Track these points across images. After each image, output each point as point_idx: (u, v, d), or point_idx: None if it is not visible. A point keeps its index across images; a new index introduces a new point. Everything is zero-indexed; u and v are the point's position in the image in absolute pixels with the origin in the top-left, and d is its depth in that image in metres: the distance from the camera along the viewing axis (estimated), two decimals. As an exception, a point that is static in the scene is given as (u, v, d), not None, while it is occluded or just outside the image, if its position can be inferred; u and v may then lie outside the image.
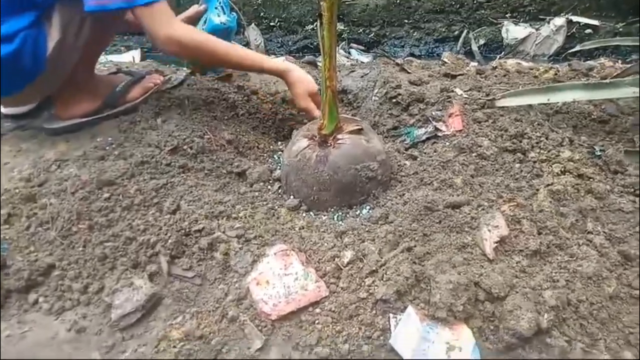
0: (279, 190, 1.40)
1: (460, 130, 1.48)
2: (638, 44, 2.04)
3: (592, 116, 1.52)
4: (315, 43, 3.33)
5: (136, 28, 1.87)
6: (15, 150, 1.40)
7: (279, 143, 1.70)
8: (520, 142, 1.40)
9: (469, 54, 3.07)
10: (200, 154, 1.40)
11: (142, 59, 2.68)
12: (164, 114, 1.52)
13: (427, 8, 3.27)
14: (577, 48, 2.26)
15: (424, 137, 1.52)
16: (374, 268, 1.06)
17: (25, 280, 1.05)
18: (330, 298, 1.02)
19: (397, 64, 2.00)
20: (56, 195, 1.19)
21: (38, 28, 1.20)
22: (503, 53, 3.07)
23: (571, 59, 2.30)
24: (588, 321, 0.98)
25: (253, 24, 3.36)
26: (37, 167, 1.29)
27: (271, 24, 3.46)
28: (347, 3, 3.32)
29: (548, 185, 1.27)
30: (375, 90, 1.78)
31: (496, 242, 1.10)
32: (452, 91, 1.65)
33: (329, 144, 1.27)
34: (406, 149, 1.52)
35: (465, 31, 3.23)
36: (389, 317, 0.98)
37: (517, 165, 1.36)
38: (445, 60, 2.15)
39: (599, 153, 1.38)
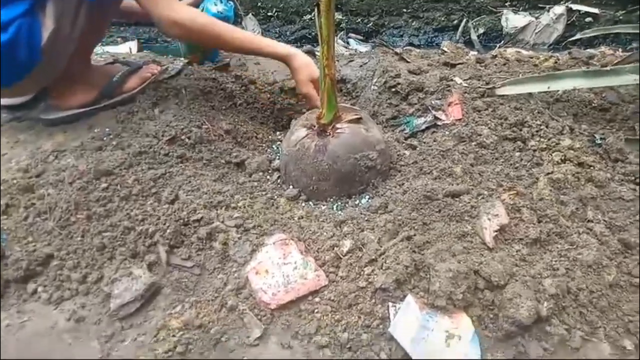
0: (278, 180, 1.39)
1: (460, 119, 1.47)
2: (638, 31, 2.02)
3: (593, 104, 1.51)
4: (313, 33, 3.31)
5: (132, 18, 1.86)
6: (13, 141, 1.39)
7: (278, 133, 1.69)
8: (520, 130, 1.40)
9: (469, 43, 3.05)
10: (198, 144, 1.39)
11: (139, 49, 2.66)
12: (161, 104, 1.50)
13: (426, -3, 3.25)
14: (577, 36, 2.24)
15: (423, 127, 1.51)
16: (373, 257, 1.05)
17: (24, 270, 1.04)
18: (330, 287, 1.02)
19: (396, 53, 1.99)
20: (54, 186, 1.19)
21: (32, 17, 1.19)
22: (503, 42, 3.04)
23: (571, 48, 2.28)
24: (588, 309, 0.98)
25: (250, 14, 3.34)
26: (34, 158, 1.28)
27: (269, 13, 3.43)
28: (345, -8, 3.30)
29: (548, 173, 1.27)
30: (374, 80, 1.77)
31: (496, 231, 1.09)
32: (452, 80, 1.64)
33: (327, 133, 1.26)
34: (405, 139, 1.52)
35: (465, 20, 3.20)
36: (388, 306, 0.98)
37: (517, 153, 1.35)
38: (445, 49, 2.14)
39: (599, 141, 1.38)
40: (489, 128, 1.41)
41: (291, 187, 1.33)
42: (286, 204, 1.28)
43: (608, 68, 1.50)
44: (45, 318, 0.99)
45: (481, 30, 3.15)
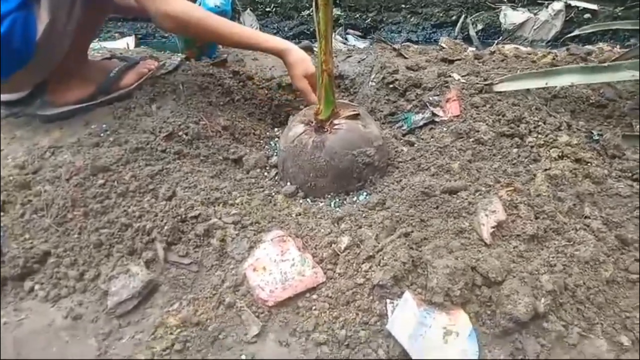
0: (276, 177, 1.39)
1: (458, 116, 1.47)
2: (637, 27, 2.02)
3: (590, 100, 1.51)
4: (311, 29, 3.30)
5: (130, 14, 1.85)
6: (9, 137, 1.38)
7: (276, 129, 1.68)
8: (518, 126, 1.40)
9: (467, 40, 3.05)
10: (195, 140, 1.39)
11: (137, 45, 2.65)
12: (158, 100, 1.50)
13: (425, -7, 3.24)
14: (576, 32, 2.25)
15: (421, 123, 1.51)
16: (371, 254, 1.05)
17: (21, 268, 1.04)
18: (327, 284, 1.02)
19: (394, 49, 1.98)
20: (50, 182, 1.18)
21: (27, 10, 1.18)
22: (501, 38, 3.05)
23: (569, 44, 2.28)
24: (585, 305, 0.98)
25: (248, 9, 3.33)
26: (31, 154, 1.28)
27: (267, 9, 3.42)
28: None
29: (546, 169, 1.27)
30: (372, 76, 1.77)
31: (493, 227, 1.09)
32: (450, 76, 1.63)
33: (325, 130, 1.25)
34: (403, 135, 1.51)
35: (463, 16, 3.20)
36: (386, 303, 0.98)
37: (515, 150, 1.35)
38: (443, 45, 2.13)
39: (596, 137, 1.38)
40: (487, 124, 1.41)
41: (289, 183, 1.33)
42: (284, 200, 1.28)
43: (606, 64, 1.50)
44: (42, 316, 0.99)
45: (479, 27, 3.15)
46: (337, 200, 1.29)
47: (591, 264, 1.04)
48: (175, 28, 1.36)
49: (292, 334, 0.95)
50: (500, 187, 1.22)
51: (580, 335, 0.94)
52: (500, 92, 1.52)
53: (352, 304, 0.98)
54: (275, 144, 1.56)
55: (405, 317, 0.94)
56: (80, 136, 1.34)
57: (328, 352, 0.92)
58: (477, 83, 1.57)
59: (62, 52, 1.30)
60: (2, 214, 1.14)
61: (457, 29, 3.20)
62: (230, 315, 0.97)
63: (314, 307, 0.98)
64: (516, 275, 1.00)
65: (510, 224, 1.12)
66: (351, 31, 3.30)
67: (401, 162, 1.37)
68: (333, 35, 1.39)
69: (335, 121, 1.26)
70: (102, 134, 1.35)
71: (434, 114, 1.50)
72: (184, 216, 1.13)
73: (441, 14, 3.26)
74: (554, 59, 1.81)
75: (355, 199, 1.28)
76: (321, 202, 1.29)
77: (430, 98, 1.54)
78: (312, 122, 1.28)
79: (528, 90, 1.53)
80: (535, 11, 3.01)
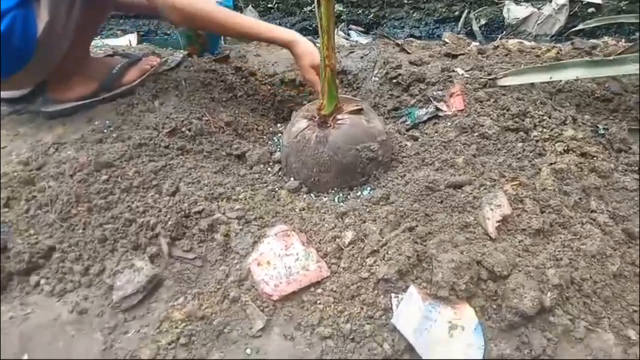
0: (279, 172, 1.39)
1: (462, 110, 1.46)
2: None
3: (596, 94, 1.50)
4: (314, 25, 3.29)
5: (131, 10, 1.85)
6: (13, 134, 1.39)
7: (279, 125, 1.68)
8: (523, 121, 1.39)
9: (470, 35, 3.03)
10: (198, 135, 1.39)
11: (139, 42, 2.65)
12: (161, 96, 1.50)
13: (427, -12, 3.23)
14: (580, 27, 2.23)
15: (425, 118, 1.51)
16: (375, 248, 1.05)
17: (26, 263, 1.04)
18: (332, 278, 1.02)
19: (397, 45, 1.98)
20: (54, 178, 1.18)
21: (27, 8, 1.17)
22: (504, 33, 3.03)
23: (574, 38, 2.27)
24: (592, 299, 0.98)
25: (250, 6, 3.32)
26: (35, 151, 1.28)
27: (269, 5, 3.41)
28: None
29: (551, 164, 1.26)
30: (375, 71, 1.76)
31: (499, 221, 1.09)
32: (453, 71, 1.63)
33: (328, 125, 1.25)
34: (407, 130, 1.51)
35: (466, 11, 3.19)
36: (390, 297, 0.97)
37: (520, 144, 1.34)
38: (446, 40, 2.12)
39: (602, 131, 1.37)
40: (491, 119, 1.40)
41: (292, 179, 1.32)
42: (287, 196, 1.27)
43: (611, 58, 1.48)
44: (48, 310, 0.99)
45: (483, 22, 3.13)
46: (341, 195, 1.29)
47: (598, 257, 1.03)
48: (182, 20, 1.38)
49: (297, 327, 0.95)
50: (505, 182, 1.21)
51: (587, 329, 0.94)
52: (505, 86, 1.52)
53: (356, 298, 0.98)
54: (278, 140, 1.56)
55: (410, 311, 0.94)
56: (84, 132, 1.34)
57: (333, 345, 0.92)
58: (481, 77, 1.56)
59: (63, 50, 1.30)
60: (7, 210, 1.14)
61: (460, 24, 3.18)
62: (235, 309, 0.97)
63: (318, 301, 0.98)
64: (522, 269, 0.99)
65: (516, 218, 1.11)
66: (354, 27, 3.29)
67: (405, 157, 1.36)
68: (335, 31, 1.38)
69: (339, 116, 1.26)
70: (105, 130, 1.35)
71: (437, 109, 1.50)
72: (187, 211, 1.13)
73: (444, 9, 3.24)
74: (558, 53, 1.80)
75: (359, 193, 1.28)
76: (325, 197, 1.29)
77: (434, 93, 1.53)
78: (315, 118, 1.28)
79: (532, 84, 1.52)
80: (539, 5, 3.00)
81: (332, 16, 1.11)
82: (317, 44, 1.24)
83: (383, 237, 1.08)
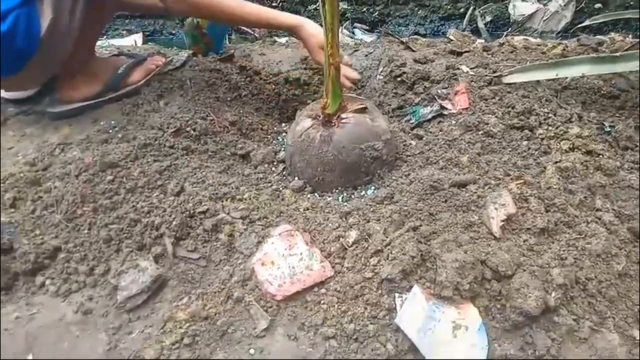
0: (284, 172, 1.39)
1: (467, 108, 1.45)
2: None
3: (602, 91, 1.49)
4: (318, 23, 3.28)
5: (136, 10, 1.85)
6: (19, 134, 1.40)
7: (283, 124, 1.68)
8: (528, 118, 1.38)
9: (475, 32, 3.01)
10: (203, 135, 1.39)
11: (144, 42, 2.66)
12: (166, 96, 1.50)
13: (432, -15, 3.21)
14: (586, 23, 2.21)
15: (429, 116, 1.50)
16: (379, 248, 1.05)
17: (32, 263, 1.05)
18: (336, 278, 1.02)
19: (402, 42, 1.97)
20: (60, 179, 1.19)
21: (30, 7, 1.18)
22: (510, 30, 3.01)
23: (580, 35, 2.25)
24: (596, 299, 0.97)
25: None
26: (41, 151, 1.29)
27: (273, 4, 3.41)
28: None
29: (556, 162, 1.25)
30: (380, 69, 1.76)
31: (503, 221, 1.08)
32: (458, 69, 1.62)
33: (332, 124, 1.25)
34: (411, 129, 1.50)
35: (471, 8, 3.17)
36: (394, 297, 0.97)
37: (525, 142, 1.34)
38: (451, 37, 2.11)
39: (608, 129, 1.36)
40: (496, 117, 1.39)
41: (296, 178, 1.33)
42: (291, 195, 1.28)
43: (618, 54, 1.47)
44: (53, 310, 1.00)
45: (488, 19, 3.11)
46: (345, 194, 1.29)
47: (603, 257, 1.02)
48: (187, 10, 1.39)
49: (300, 328, 0.95)
50: (510, 180, 1.21)
51: (592, 329, 0.93)
52: (510, 83, 1.51)
53: (360, 298, 0.98)
54: (282, 139, 1.56)
55: (414, 311, 0.94)
56: (89, 133, 1.34)
57: (336, 346, 0.92)
58: (486, 75, 1.55)
59: (67, 49, 1.30)
60: (13, 210, 1.15)
61: (465, 21, 3.16)
62: (239, 309, 0.98)
63: (322, 301, 0.98)
64: (526, 269, 0.99)
65: (520, 217, 1.11)
66: (358, 25, 3.28)
67: (409, 155, 1.36)
68: (340, 29, 1.38)
69: (343, 115, 1.25)
70: (110, 131, 1.35)
71: (442, 107, 1.49)
72: (192, 211, 1.13)
73: (449, 6, 3.22)
74: (564, 49, 1.78)
75: (363, 193, 1.28)
76: (329, 196, 1.29)
77: (439, 91, 1.53)
78: (319, 117, 1.28)
79: (538, 81, 1.51)
80: (545, 2, 2.97)
81: (337, 14, 1.11)
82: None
83: (387, 237, 1.08)
